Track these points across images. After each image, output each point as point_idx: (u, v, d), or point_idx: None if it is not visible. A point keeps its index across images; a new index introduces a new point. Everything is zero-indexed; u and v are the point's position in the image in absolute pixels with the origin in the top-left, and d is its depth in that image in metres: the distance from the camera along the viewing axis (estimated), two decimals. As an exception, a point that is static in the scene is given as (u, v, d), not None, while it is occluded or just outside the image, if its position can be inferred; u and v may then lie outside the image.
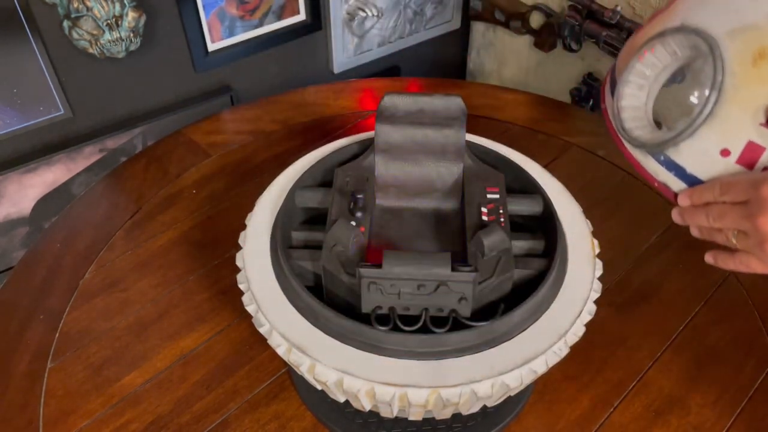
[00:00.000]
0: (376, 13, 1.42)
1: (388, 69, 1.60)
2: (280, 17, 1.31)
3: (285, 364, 0.74)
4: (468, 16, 1.62)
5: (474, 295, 0.53)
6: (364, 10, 1.41)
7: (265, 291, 0.58)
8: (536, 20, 1.47)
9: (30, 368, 0.75)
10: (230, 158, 1.03)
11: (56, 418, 0.70)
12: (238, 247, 0.64)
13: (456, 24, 1.62)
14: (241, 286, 0.60)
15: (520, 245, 0.62)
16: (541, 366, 0.54)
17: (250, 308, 0.58)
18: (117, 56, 1.13)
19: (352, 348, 0.53)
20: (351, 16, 1.41)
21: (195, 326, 0.79)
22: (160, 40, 1.20)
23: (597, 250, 0.64)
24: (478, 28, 1.67)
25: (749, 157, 0.54)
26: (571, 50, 1.40)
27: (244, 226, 0.66)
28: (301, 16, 1.34)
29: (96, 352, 0.76)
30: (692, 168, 0.57)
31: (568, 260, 0.61)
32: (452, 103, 0.65)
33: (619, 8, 1.25)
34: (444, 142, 0.65)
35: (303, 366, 0.53)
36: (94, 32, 1.08)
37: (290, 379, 0.73)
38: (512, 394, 0.55)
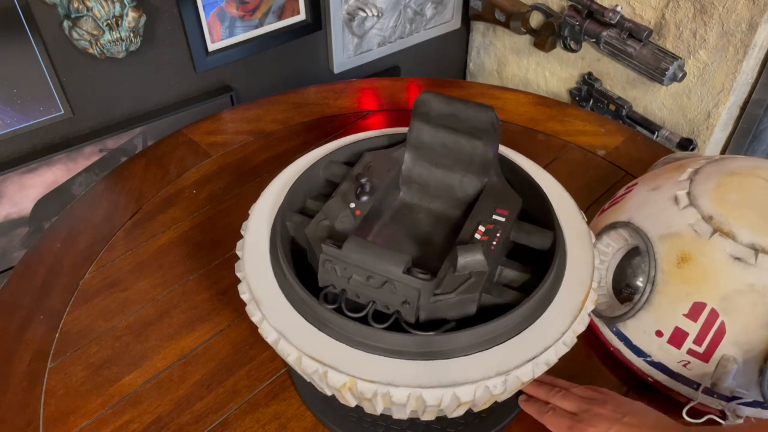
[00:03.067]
0: (376, 13, 1.42)
1: (388, 69, 1.60)
2: (280, 17, 1.31)
3: (285, 364, 0.74)
4: (468, 16, 1.62)
5: (422, 304, 0.53)
6: (364, 10, 1.41)
7: (270, 300, 0.58)
8: (536, 20, 1.47)
9: (30, 368, 0.75)
10: (230, 158, 1.03)
11: (56, 418, 0.70)
12: (238, 245, 0.64)
13: (456, 24, 1.62)
14: (244, 297, 0.59)
15: (507, 274, 0.60)
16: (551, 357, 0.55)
17: (255, 318, 0.58)
18: (117, 56, 1.13)
19: (362, 352, 0.53)
20: (351, 16, 1.41)
21: (195, 326, 0.79)
22: (160, 40, 1.20)
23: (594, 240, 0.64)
24: (478, 28, 1.67)
25: (677, 340, 0.67)
26: (571, 50, 1.40)
27: (243, 224, 0.66)
28: (301, 16, 1.34)
29: (96, 352, 0.76)
30: (636, 342, 0.70)
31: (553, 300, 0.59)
32: (483, 115, 0.62)
33: (619, 8, 1.25)
34: (472, 153, 0.64)
35: (315, 374, 0.53)
36: (95, 32, 1.08)
37: (290, 379, 0.73)
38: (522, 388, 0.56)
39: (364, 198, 0.62)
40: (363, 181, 0.62)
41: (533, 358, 0.53)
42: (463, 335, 0.53)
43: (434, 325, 0.55)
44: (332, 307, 0.55)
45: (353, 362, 0.53)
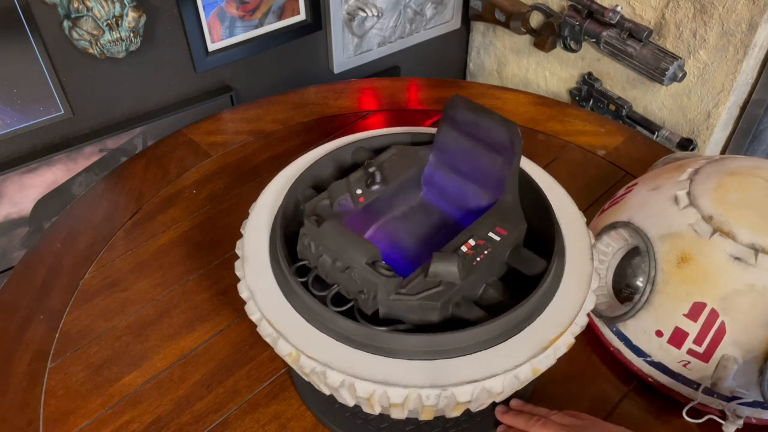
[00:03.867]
0: (376, 13, 1.42)
1: (388, 69, 1.60)
2: (280, 17, 1.31)
3: (285, 364, 0.74)
4: (468, 16, 1.62)
5: (380, 299, 0.53)
6: (364, 10, 1.41)
7: (269, 299, 0.58)
8: (536, 20, 1.47)
9: (30, 368, 0.75)
10: (230, 158, 1.03)
11: (56, 418, 0.70)
12: (238, 245, 0.64)
13: (456, 24, 1.62)
14: (243, 296, 0.59)
15: (492, 294, 0.59)
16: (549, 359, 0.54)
17: (254, 317, 0.58)
18: (117, 56, 1.13)
19: (361, 352, 0.53)
20: (351, 16, 1.41)
21: (195, 326, 0.79)
22: (160, 40, 1.20)
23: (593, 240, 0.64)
24: (478, 28, 1.67)
25: (678, 340, 0.67)
26: (571, 50, 1.40)
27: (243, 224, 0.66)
28: (301, 16, 1.34)
29: (96, 352, 0.76)
30: (636, 341, 0.70)
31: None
32: (505, 130, 0.60)
33: (619, 8, 1.25)
34: (489, 166, 0.62)
35: (313, 373, 0.53)
36: (95, 32, 1.08)
37: (290, 379, 0.73)
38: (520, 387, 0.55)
39: (375, 187, 0.62)
40: (371, 170, 0.62)
41: (531, 358, 0.53)
42: (462, 335, 0.53)
43: (390, 322, 0.55)
44: (300, 279, 0.56)
45: (351, 362, 0.53)
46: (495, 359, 0.53)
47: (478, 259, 0.56)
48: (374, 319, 0.55)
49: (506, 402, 0.66)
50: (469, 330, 0.53)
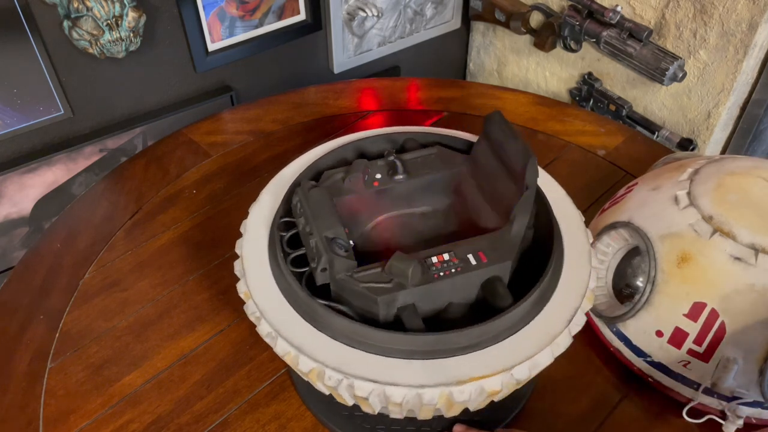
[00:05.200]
0: (376, 13, 1.42)
1: (388, 69, 1.60)
2: (280, 17, 1.31)
3: (285, 364, 0.74)
4: (468, 16, 1.62)
5: (332, 275, 0.55)
6: (364, 10, 1.41)
7: (268, 298, 0.58)
8: (536, 20, 1.47)
9: (30, 368, 0.75)
10: (230, 158, 1.03)
11: (56, 418, 0.70)
12: (238, 245, 0.64)
13: (456, 24, 1.62)
14: (242, 295, 0.60)
15: (453, 312, 0.58)
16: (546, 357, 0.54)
17: (253, 317, 0.58)
18: (117, 56, 1.13)
19: (360, 351, 0.53)
20: (351, 16, 1.41)
21: (195, 326, 0.79)
22: (160, 40, 1.20)
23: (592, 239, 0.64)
24: (478, 28, 1.67)
25: (678, 340, 0.67)
26: (571, 50, 1.40)
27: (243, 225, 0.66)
28: (301, 16, 1.34)
29: (96, 352, 0.76)
30: (636, 341, 0.70)
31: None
32: (521, 157, 0.58)
33: (619, 8, 1.25)
34: (504, 194, 0.60)
35: (312, 373, 0.53)
36: (95, 32, 1.08)
37: (290, 379, 0.73)
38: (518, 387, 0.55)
39: (398, 177, 0.63)
40: (392, 159, 0.63)
41: (529, 358, 0.53)
42: (460, 335, 0.53)
43: (338, 301, 0.56)
44: (281, 234, 0.59)
45: (350, 361, 0.53)
46: (493, 358, 0.53)
47: (442, 273, 0.54)
48: (325, 294, 0.56)
49: (464, 421, 0.66)
50: (467, 329, 0.53)
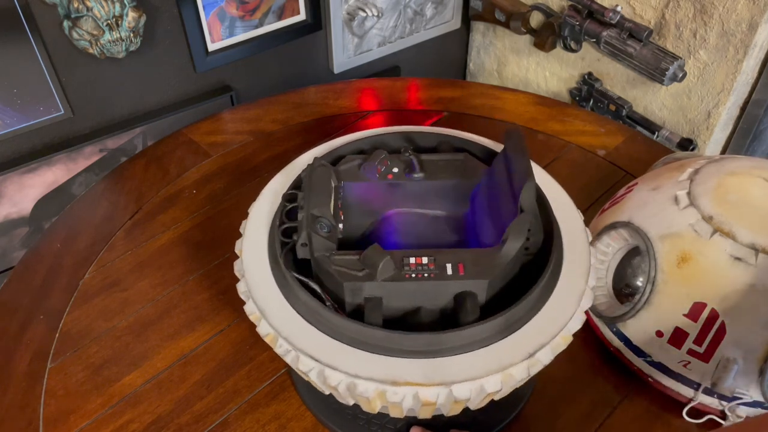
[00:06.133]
0: (376, 13, 1.43)
1: (388, 69, 1.60)
2: (280, 17, 1.31)
3: (285, 364, 0.74)
4: (468, 16, 1.62)
5: (312, 250, 0.56)
6: (364, 10, 1.41)
7: (268, 298, 0.58)
8: (536, 20, 1.47)
9: (30, 368, 0.75)
10: (230, 158, 1.03)
11: (56, 418, 0.70)
12: (238, 244, 0.64)
13: (456, 24, 1.62)
14: (242, 295, 0.60)
15: (414, 312, 0.57)
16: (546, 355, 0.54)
17: (253, 316, 0.58)
18: (117, 56, 1.13)
19: (359, 351, 0.53)
20: (351, 16, 1.41)
21: (195, 326, 0.79)
22: (160, 40, 1.20)
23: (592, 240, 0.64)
24: (478, 28, 1.67)
25: (678, 340, 0.67)
26: (571, 50, 1.40)
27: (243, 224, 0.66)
28: (301, 16, 1.34)
29: (96, 352, 0.76)
30: (636, 341, 0.70)
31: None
32: (519, 180, 0.57)
33: (619, 8, 1.25)
34: (501, 212, 0.59)
35: (312, 372, 0.53)
36: (95, 32, 1.08)
37: (290, 379, 0.73)
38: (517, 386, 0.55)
39: (415, 176, 0.63)
40: (409, 155, 0.63)
41: (528, 357, 0.53)
42: (459, 334, 0.53)
43: (317, 280, 0.58)
44: (285, 203, 0.61)
45: (349, 360, 0.53)
46: (492, 357, 0.53)
47: (414, 275, 0.54)
48: (306, 272, 0.58)
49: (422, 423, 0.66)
50: (466, 329, 0.53)
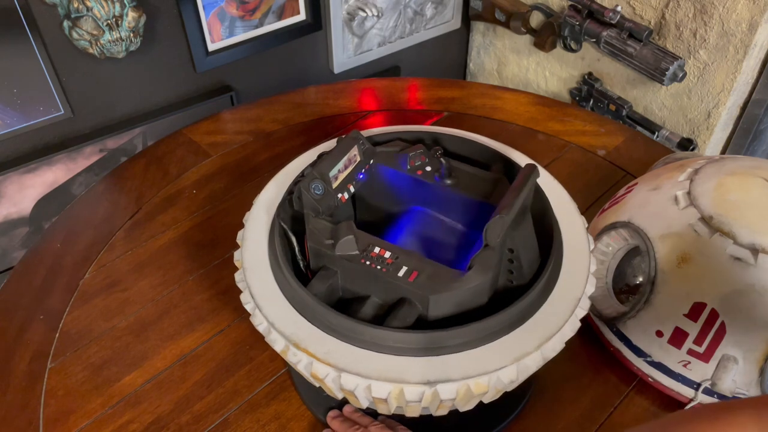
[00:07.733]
0: (376, 13, 1.43)
1: (388, 69, 1.60)
2: (280, 17, 1.31)
3: (285, 364, 0.75)
4: (468, 16, 1.62)
5: (299, 207, 0.59)
6: (364, 10, 1.41)
7: (264, 291, 0.59)
8: (536, 20, 1.47)
9: (30, 368, 0.75)
10: (230, 158, 1.03)
11: (56, 418, 0.70)
12: (238, 247, 0.64)
13: (456, 24, 1.62)
14: (240, 285, 0.60)
15: (387, 306, 0.58)
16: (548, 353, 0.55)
17: (249, 306, 0.59)
18: (117, 56, 1.13)
19: (350, 345, 0.54)
20: (351, 16, 1.41)
21: (195, 326, 0.79)
22: (160, 40, 1.20)
23: (592, 246, 0.64)
24: (478, 28, 1.67)
25: (678, 340, 0.67)
26: (571, 50, 1.40)
27: (243, 226, 0.66)
28: (301, 16, 1.34)
29: (96, 352, 0.76)
30: (636, 341, 0.70)
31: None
32: (499, 208, 0.56)
33: (619, 8, 1.25)
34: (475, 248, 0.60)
35: (301, 364, 0.54)
36: (95, 32, 1.08)
37: (290, 379, 0.73)
38: (510, 388, 0.56)
39: (445, 180, 0.64)
40: (441, 156, 0.64)
41: (528, 356, 0.53)
42: (455, 333, 0.53)
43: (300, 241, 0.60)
44: (297, 177, 0.64)
45: (342, 355, 0.53)
46: (486, 358, 0.53)
47: (368, 263, 0.56)
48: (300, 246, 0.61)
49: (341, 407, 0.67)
50: (461, 328, 0.53)
